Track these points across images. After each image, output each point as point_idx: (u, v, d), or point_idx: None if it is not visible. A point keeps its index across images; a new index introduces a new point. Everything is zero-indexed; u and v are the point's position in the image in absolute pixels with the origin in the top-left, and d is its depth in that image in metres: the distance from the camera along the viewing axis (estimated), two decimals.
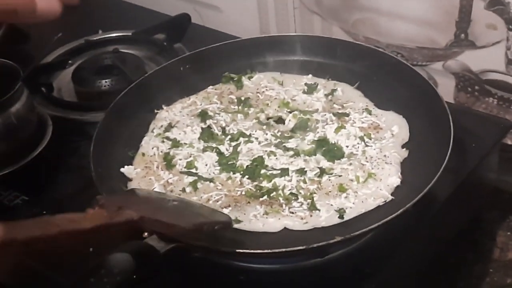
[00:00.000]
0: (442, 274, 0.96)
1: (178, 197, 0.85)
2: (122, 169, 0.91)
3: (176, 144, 0.95)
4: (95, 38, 1.30)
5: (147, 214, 0.69)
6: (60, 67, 1.23)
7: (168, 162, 0.92)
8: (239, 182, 0.88)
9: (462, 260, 1.00)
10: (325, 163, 0.90)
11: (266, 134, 0.95)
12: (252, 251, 0.78)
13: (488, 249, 1.02)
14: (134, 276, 0.68)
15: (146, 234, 0.76)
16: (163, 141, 0.96)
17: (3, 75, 1.04)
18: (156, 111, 1.02)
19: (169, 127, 0.98)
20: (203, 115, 0.99)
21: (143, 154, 0.94)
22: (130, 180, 0.90)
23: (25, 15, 0.64)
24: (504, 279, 0.98)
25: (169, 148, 0.94)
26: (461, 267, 0.99)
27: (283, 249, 0.77)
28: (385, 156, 0.90)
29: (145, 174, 0.91)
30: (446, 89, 1.12)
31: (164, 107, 1.02)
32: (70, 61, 1.25)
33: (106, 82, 1.15)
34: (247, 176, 0.88)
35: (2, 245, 0.48)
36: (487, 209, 1.06)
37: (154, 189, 0.87)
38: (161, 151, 0.94)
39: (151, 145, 0.95)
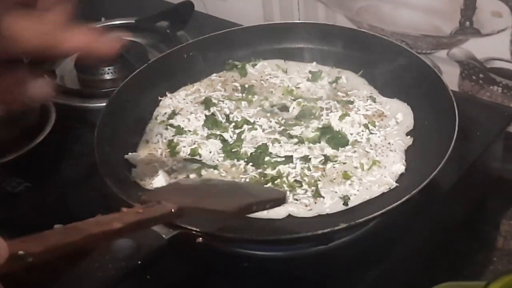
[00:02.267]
0: (446, 262, 0.96)
1: (229, 181, 0.83)
2: (126, 156, 0.91)
3: (180, 131, 0.94)
4: (98, 26, 1.30)
5: (188, 204, 0.66)
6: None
7: (172, 149, 0.92)
8: (243, 169, 0.88)
9: (466, 248, 0.99)
10: (329, 151, 0.89)
11: (270, 121, 0.95)
12: (256, 238, 0.78)
13: (492, 238, 1.02)
14: (139, 262, 0.69)
15: None
16: (166, 128, 0.95)
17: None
18: (160, 98, 1.02)
19: (173, 114, 0.98)
20: (207, 103, 0.99)
21: (147, 141, 0.94)
22: (134, 166, 0.90)
23: None
24: (507, 267, 0.98)
25: (173, 135, 0.94)
26: (465, 255, 0.99)
27: (288, 236, 0.77)
28: (389, 143, 0.90)
29: (149, 160, 0.90)
30: (451, 77, 1.12)
31: (168, 94, 1.02)
32: None
33: (109, 69, 1.14)
34: (251, 163, 0.88)
35: (9, 260, 0.45)
36: (491, 198, 1.05)
37: (159, 176, 0.87)
38: (165, 138, 0.94)
39: (155, 132, 0.95)
